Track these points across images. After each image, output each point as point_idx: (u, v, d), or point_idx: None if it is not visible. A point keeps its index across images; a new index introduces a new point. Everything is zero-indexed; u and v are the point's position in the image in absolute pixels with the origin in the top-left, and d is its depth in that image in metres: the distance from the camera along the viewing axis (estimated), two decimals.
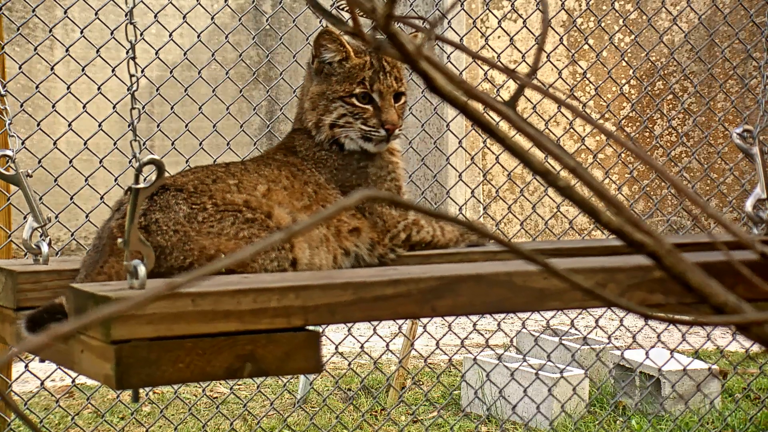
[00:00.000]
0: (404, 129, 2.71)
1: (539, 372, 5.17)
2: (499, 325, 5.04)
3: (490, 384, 5.24)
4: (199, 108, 4.54)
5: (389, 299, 1.99)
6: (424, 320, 5.00)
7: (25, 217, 3.95)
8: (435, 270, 2.15)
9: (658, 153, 8.46)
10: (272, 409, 5.19)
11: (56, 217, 4.08)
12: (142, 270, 1.95)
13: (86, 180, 4.42)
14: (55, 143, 4.38)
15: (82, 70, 4.35)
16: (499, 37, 8.05)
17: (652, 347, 5.55)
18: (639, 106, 8.77)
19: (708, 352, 6.70)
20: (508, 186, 8.18)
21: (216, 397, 5.54)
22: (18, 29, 4.83)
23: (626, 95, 8.22)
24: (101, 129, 4.37)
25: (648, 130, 8.73)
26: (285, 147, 2.65)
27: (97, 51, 4.39)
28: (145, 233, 2.15)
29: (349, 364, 5.14)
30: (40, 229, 2.57)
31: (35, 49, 4.42)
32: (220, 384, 5.74)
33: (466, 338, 5.15)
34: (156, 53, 4.46)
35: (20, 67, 4.35)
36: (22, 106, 4.31)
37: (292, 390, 5.69)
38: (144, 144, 2.21)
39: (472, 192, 5.79)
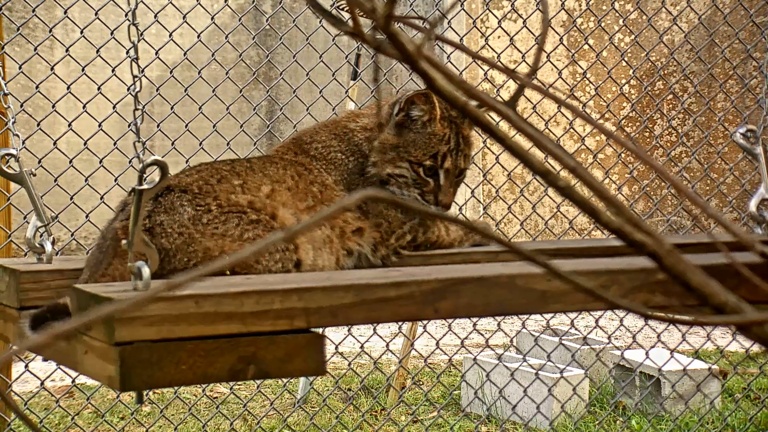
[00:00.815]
0: None
1: (539, 372, 5.17)
2: (499, 325, 5.05)
3: (490, 384, 5.24)
4: (199, 108, 4.54)
5: (391, 301, 1.99)
6: (424, 320, 5.00)
7: (25, 217, 3.96)
8: (437, 271, 2.15)
9: (658, 153, 8.46)
10: (272, 409, 5.19)
11: (56, 217, 4.08)
12: (146, 271, 1.95)
13: (86, 180, 4.42)
14: (55, 143, 4.38)
15: (82, 70, 4.35)
16: (499, 37, 8.05)
17: (652, 347, 5.55)
18: (639, 106, 8.77)
19: (708, 352, 6.70)
20: (508, 186, 8.18)
21: (216, 397, 5.54)
22: (18, 29, 4.83)
23: (626, 95, 8.22)
24: (101, 129, 4.37)
25: (648, 130, 8.73)
26: (299, 144, 2.64)
27: (97, 51, 4.39)
28: (149, 235, 2.15)
29: (349, 364, 5.14)
30: (43, 228, 2.57)
31: (35, 49, 4.42)
32: (220, 384, 5.74)
33: (466, 338, 5.15)
34: (156, 53, 4.46)
35: (20, 67, 4.35)
36: (22, 106, 4.31)
37: (292, 390, 5.69)
38: (145, 144, 2.20)
39: (472, 192, 5.80)
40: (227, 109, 4.64)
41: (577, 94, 8.41)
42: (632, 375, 5.47)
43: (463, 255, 2.62)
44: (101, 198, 4.34)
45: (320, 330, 2.01)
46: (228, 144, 4.53)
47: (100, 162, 4.40)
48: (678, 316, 1.28)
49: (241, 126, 4.68)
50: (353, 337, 5.14)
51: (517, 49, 5.45)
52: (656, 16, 8.62)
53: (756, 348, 5.70)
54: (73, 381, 4.46)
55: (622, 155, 7.28)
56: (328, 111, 4.89)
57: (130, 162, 4.14)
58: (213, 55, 4.68)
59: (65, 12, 4.48)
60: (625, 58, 5.69)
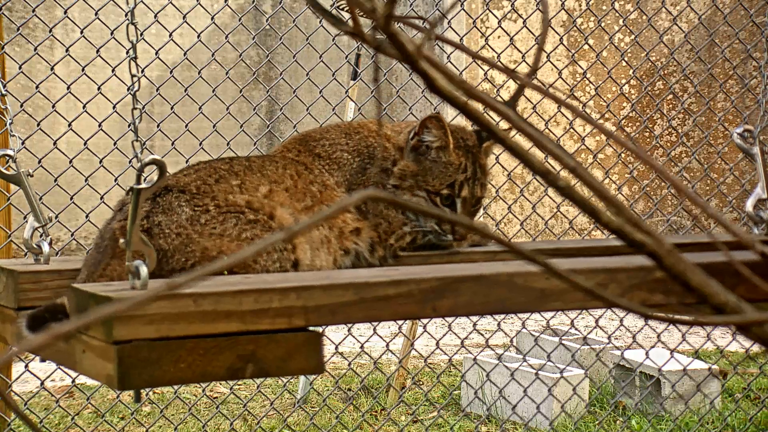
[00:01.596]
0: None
1: (539, 372, 5.17)
2: (499, 325, 5.04)
3: (490, 384, 5.24)
4: (199, 108, 4.54)
5: (390, 299, 1.99)
6: (424, 320, 5.01)
7: (25, 217, 3.96)
8: (436, 270, 2.15)
9: (658, 153, 8.46)
10: (272, 409, 5.19)
11: (56, 217, 4.08)
12: (143, 270, 1.95)
13: (86, 180, 4.42)
14: (55, 143, 4.38)
15: (82, 70, 4.35)
16: (499, 37, 8.05)
17: (652, 347, 5.55)
18: (639, 106, 8.77)
19: (708, 352, 6.70)
20: (508, 186, 8.18)
21: (216, 397, 5.54)
22: (18, 29, 4.83)
23: (626, 95, 8.22)
24: (101, 129, 4.37)
25: (648, 130, 8.73)
26: (305, 141, 2.64)
27: (97, 51, 4.39)
28: (147, 236, 2.15)
29: (349, 364, 5.14)
30: (41, 229, 2.57)
31: (35, 49, 4.42)
32: (220, 384, 5.74)
33: (466, 338, 5.15)
34: (156, 53, 4.46)
35: (20, 67, 4.35)
36: (22, 106, 4.31)
37: (292, 390, 5.69)
38: (144, 144, 2.20)
39: None
40: (227, 109, 4.64)
41: (577, 94, 8.41)
42: (632, 375, 5.47)
43: (463, 255, 2.62)
44: (101, 198, 4.34)
45: (319, 329, 2.01)
46: (228, 144, 4.54)
47: (100, 162, 4.40)
48: (678, 315, 1.28)
49: (241, 126, 4.68)
50: (353, 337, 5.14)
51: (517, 49, 5.45)
52: (656, 16, 8.62)
53: (756, 348, 5.70)
54: (73, 381, 4.46)
55: (622, 155, 7.28)
56: (328, 111, 4.89)
57: (129, 162, 4.13)
58: (213, 55, 4.68)
59: (65, 12, 4.48)
60: (625, 58, 5.69)
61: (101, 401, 5.57)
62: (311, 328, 1.95)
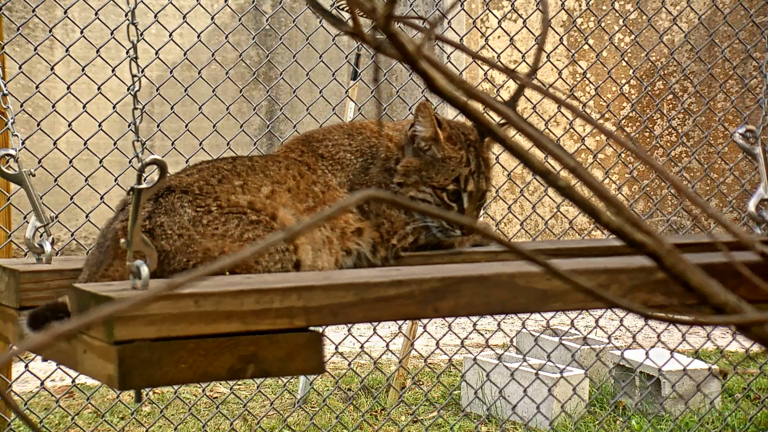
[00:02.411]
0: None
1: (539, 372, 5.17)
2: (499, 325, 5.04)
3: (490, 384, 5.24)
4: (199, 108, 4.54)
5: (391, 300, 1.99)
6: (425, 320, 5.01)
7: (25, 217, 3.96)
8: (437, 271, 2.15)
9: (658, 153, 8.46)
10: (272, 409, 5.19)
11: (56, 217, 4.08)
12: (144, 270, 1.95)
13: (86, 180, 4.42)
14: (55, 143, 4.38)
15: (82, 70, 4.35)
16: (499, 37, 8.05)
17: (652, 347, 5.55)
18: (639, 106, 8.77)
19: (708, 352, 6.70)
20: (508, 186, 8.18)
21: (216, 397, 5.54)
22: (18, 29, 4.83)
23: (626, 95, 8.22)
24: (101, 129, 4.37)
25: (648, 130, 8.73)
26: (308, 142, 2.64)
27: (97, 51, 4.39)
28: (150, 237, 2.14)
29: (349, 364, 5.14)
30: (42, 229, 2.57)
31: (35, 49, 4.42)
32: (220, 384, 5.74)
33: (466, 338, 5.15)
34: (156, 53, 4.46)
35: (20, 67, 4.35)
36: (22, 106, 4.31)
37: (292, 390, 5.69)
38: (144, 144, 2.20)
39: None
40: (227, 109, 4.64)
41: (577, 94, 8.41)
42: (632, 375, 5.47)
43: (464, 255, 2.62)
44: (101, 198, 4.34)
45: (320, 329, 2.01)
46: (228, 144, 4.54)
47: (100, 162, 4.40)
48: (678, 316, 1.28)
49: (241, 126, 4.68)
50: (353, 337, 5.14)
51: (517, 49, 5.45)
52: (656, 16, 8.62)
53: (756, 348, 5.70)
54: (73, 381, 4.46)
55: (622, 155, 7.28)
56: (328, 111, 4.89)
57: (130, 162, 4.14)
58: (213, 55, 4.68)
59: (65, 12, 4.48)
60: (625, 58, 5.69)
61: (101, 401, 5.57)
62: (312, 329, 1.95)
